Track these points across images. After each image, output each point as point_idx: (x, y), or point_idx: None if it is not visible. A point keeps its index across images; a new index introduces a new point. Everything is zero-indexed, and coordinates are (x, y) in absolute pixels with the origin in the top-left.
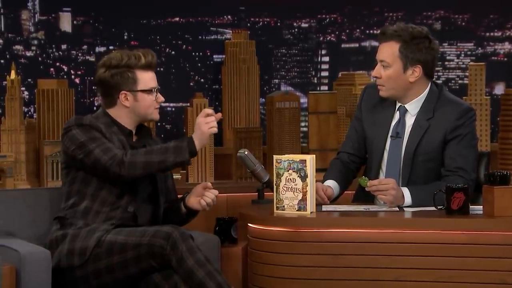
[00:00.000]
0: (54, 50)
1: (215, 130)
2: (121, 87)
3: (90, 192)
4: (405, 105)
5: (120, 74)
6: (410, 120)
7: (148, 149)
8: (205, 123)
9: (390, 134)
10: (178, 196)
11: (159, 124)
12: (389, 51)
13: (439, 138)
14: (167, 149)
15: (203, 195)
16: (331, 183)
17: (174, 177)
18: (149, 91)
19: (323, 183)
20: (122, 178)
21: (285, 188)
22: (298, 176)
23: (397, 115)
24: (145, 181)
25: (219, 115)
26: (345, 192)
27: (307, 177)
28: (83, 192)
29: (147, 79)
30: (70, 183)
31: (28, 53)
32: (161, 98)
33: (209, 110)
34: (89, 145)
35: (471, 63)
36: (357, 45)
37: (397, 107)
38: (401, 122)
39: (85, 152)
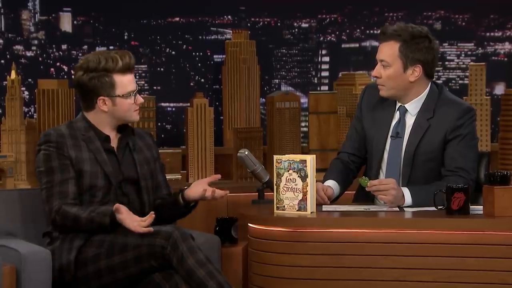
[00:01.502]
0: (54, 50)
1: (137, 229)
2: (99, 92)
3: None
4: (405, 105)
5: (98, 79)
6: (410, 120)
7: (77, 216)
8: (134, 225)
9: (390, 134)
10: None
11: (159, 124)
12: (389, 51)
13: (439, 138)
14: (91, 221)
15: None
16: (331, 183)
17: (174, 177)
18: (127, 96)
19: (323, 183)
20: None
21: (286, 188)
22: (298, 176)
23: (397, 115)
24: (128, 183)
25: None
26: (346, 192)
27: (307, 177)
28: None
29: (125, 83)
30: None
31: (29, 53)
32: (140, 100)
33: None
34: (43, 179)
35: (472, 63)
36: (357, 45)
37: (397, 107)
38: (401, 122)
39: (39, 183)
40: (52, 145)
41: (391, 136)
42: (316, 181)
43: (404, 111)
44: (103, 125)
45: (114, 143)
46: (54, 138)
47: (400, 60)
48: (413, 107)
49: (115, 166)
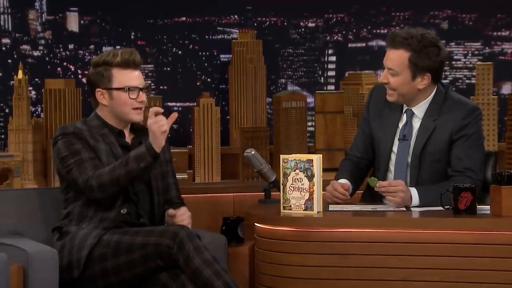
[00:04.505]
0: (61, 49)
1: (164, 128)
2: (97, 84)
3: (84, 197)
4: (412, 108)
5: (97, 72)
6: (417, 123)
7: (112, 165)
8: (154, 122)
9: (397, 136)
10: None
11: None
12: (397, 60)
13: (445, 139)
14: (127, 160)
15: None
16: (344, 182)
17: (180, 176)
18: (122, 89)
19: None
20: (97, 198)
21: (292, 188)
22: (305, 176)
23: (404, 118)
24: (139, 182)
25: (175, 114)
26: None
27: (314, 176)
28: (78, 198)
29: (125, 77)
30: (66, 191)
31: (35, 53)
32: (142, 98)
33: (157, 109)
34: (69, 160)
35: (478, 62)
36: (364, 44)
37: (404, 109)
38: (408, 125)
39: (65, 169)
40: (71, 135)
41: (398, 139)
42: (332, 180)
43: (411, 114)
44: (111, 122)
45: (128, 140)
46: (71, 130)
47: (409, 69)
48: (420, 110)
49: None
